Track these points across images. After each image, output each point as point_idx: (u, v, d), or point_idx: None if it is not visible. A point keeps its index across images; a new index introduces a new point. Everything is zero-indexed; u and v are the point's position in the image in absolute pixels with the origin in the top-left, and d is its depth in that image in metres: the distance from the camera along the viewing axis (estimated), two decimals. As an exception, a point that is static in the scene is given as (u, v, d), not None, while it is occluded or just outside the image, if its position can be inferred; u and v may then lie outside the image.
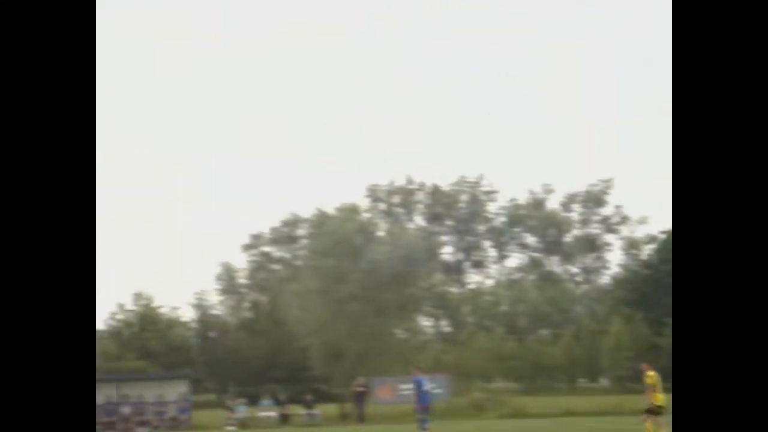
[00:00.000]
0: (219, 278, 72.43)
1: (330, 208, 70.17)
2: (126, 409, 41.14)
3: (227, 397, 49.94)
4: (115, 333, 65.86)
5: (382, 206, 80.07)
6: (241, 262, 77.62)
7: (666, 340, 48.20)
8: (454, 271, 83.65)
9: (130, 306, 65.79)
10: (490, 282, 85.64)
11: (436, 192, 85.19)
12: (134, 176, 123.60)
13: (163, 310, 66.80)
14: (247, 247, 77.95)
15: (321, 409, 43.23)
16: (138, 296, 65.96)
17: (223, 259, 75.67)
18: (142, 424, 40.07)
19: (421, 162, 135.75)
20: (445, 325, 70.94)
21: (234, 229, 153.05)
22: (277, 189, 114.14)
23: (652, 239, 71.72)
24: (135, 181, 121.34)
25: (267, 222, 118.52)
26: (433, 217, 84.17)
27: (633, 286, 62.65)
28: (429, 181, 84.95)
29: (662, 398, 24.01)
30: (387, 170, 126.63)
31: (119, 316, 65.66)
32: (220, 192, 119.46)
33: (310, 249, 56.73)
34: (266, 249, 78.74)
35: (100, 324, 66.54)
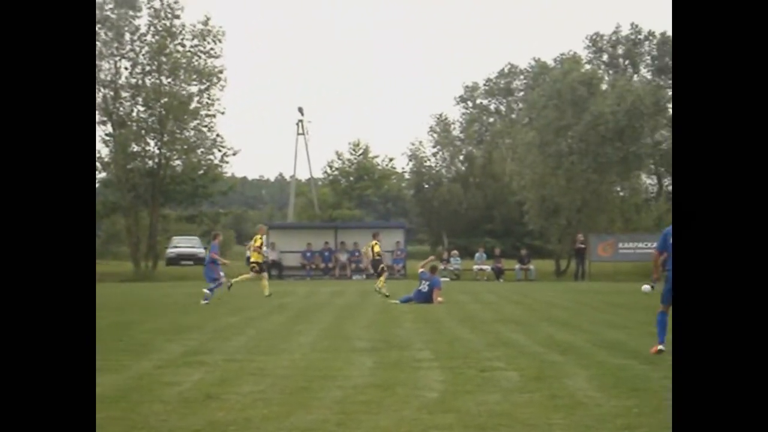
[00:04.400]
0: (433, 130, 71.39)
1: (549, 59, 67.27)
2: (343, 256, 42.11)
3: (441, 249, 50.07)
4: (332, 181, 67.65)
5: (605, 57, 75.27)
6: (455, 114, 76.36)
7: None
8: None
9: (347, 155, 67.01)
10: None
11: (664, 42, 79.21)
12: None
13: (378, 161, 67.61)
14: (462, 99, 76.29)
15: (535, 265, 42.31)
16: (355, 146, 66.99)
17: (437, 111, 74.73)
18: (358, 271, 40.84)
19: (648, 10, 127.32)
20: (669, 184, 67.31)
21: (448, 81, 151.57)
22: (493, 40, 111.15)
23: None
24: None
25: (482, 74, 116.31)
26: (661, 70, 78.52)
27: None
28: (657, 30, 79.13)
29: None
30: (610, 19, 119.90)
31: (336, 165, 67.14)
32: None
33: (528, 101, 54.63)
34: (481, 101, 76.72)
35: (318, 172, 68.47)
